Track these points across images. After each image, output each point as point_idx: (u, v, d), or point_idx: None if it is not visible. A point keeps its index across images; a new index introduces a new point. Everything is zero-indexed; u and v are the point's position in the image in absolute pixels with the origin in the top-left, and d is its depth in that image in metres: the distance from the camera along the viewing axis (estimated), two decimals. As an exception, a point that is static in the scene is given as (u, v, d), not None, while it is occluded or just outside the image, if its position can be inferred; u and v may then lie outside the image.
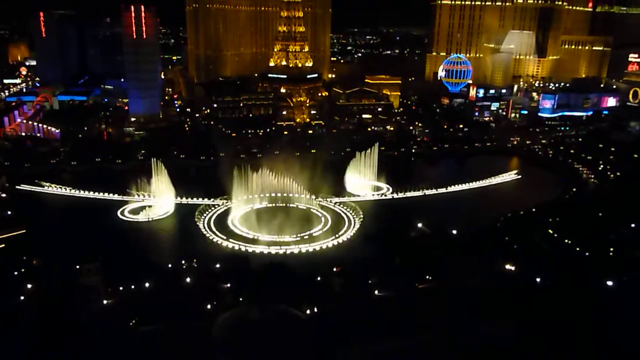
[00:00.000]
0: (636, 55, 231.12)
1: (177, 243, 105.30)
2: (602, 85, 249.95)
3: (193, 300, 78.78)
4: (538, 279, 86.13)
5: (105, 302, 78.06)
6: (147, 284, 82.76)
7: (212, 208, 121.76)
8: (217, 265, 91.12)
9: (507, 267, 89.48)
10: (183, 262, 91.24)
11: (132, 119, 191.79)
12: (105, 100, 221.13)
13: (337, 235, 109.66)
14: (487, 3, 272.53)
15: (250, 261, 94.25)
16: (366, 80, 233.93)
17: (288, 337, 71.81)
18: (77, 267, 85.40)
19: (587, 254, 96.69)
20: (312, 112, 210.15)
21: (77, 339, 69.93)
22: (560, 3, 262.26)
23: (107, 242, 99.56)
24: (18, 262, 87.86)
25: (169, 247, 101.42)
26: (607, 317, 74.98)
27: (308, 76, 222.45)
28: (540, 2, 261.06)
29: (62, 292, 77.85)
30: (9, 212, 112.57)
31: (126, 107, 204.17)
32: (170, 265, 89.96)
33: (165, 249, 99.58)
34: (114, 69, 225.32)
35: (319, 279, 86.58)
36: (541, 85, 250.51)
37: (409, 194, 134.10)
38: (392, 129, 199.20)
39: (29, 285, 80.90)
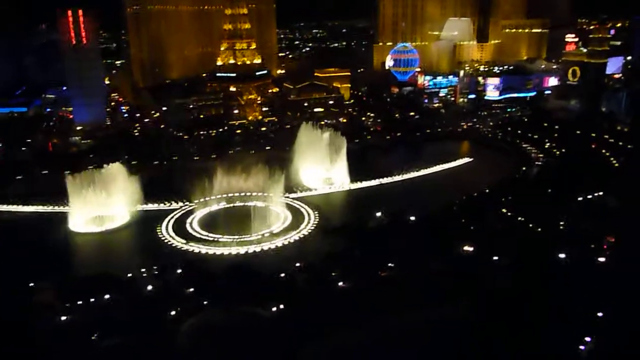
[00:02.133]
0: (572, 36, 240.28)
1: (135, 251, 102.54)
2: (542, 67, 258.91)
3: (155, 308, 77.27)
4: (495, 257, 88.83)
5: (62, 318, 75.36)
6: (106, 296, 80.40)
7: (169, 213, 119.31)
8: (178, 271, 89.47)
9: (466, 248, 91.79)
10: (142, 270, 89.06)
11: (78, 128, 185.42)
12: (48, 110, 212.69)
13: (297, 231, 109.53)
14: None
15: (211, 264, 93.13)
16: (316, 74, 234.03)
17: (255, 337, 71.55)
18: (30, 284, 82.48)
19: (539, 229, 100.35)
20: (264, 109, 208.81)
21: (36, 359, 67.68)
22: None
23: (61, 257, 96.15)
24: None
25: (127, 257, 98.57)
26: (561, 289, 78.29)
27: (257, 73, 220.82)
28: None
29: (15, 312, 74.84)
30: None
31: (70, 116, 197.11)
32: (129, 275, 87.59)
33: (123, 259, 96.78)
34: (54, 78, 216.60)
35: (282, 275, 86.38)
36: (485, 69, 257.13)
37: (365, 184, 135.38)
38: (344, 120, 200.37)
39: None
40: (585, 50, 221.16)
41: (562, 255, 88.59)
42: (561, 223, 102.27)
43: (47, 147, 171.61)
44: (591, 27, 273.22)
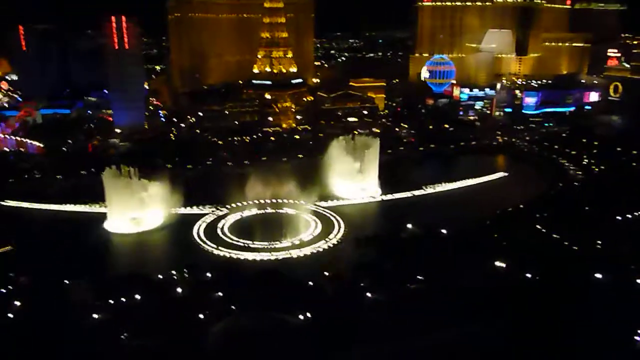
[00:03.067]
0: (615, 51, 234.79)
1: (167, 254, 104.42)
2: (583, 81, 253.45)
3: (185, 311, 78.31)
4: (529, 275, 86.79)
5: (95, 316, 77.14)
6: (137, 297, 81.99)
7: (202, 217, 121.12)
8: (208, 275, 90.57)
9: (498, 264, 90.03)
10: (173, 272, 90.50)
11: (117, 131, 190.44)
12: (89, 112, 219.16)
13: (327, 240, 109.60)
14: (468, 3, 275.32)
15: (241, 269, 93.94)
16: (350, 84, 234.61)
17: (282, 344, 71.64)
18: (66, 282, 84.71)
19: (575, 248, 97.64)
20: (298, 117, 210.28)
21: (68, 356, 69.34)
22: (539, 1, 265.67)
23: (96, 256, 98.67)
24: (5, 280, 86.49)
25: (159, 258, 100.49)
26: (596, 310, 75.86)
27: (292, 81, 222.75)
28: (519, 1, 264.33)
29: (51, 309, 76.99)
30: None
31: (111, 119, 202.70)
32: (160, 277, 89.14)
33: (156, 260, 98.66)
34: (97, 81, 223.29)
35: (310, 284, 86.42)
36: (524, 83, 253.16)
37: (398, 196, 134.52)
38: (378, 131, 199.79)
39: (17, 303, 79.71)
40: (628, 65, 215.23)
41: (598, 276, 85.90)
42: (599, 242, 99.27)
43: (86, 148, 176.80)
44: (634, 43, 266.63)
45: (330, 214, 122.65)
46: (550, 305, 77.34)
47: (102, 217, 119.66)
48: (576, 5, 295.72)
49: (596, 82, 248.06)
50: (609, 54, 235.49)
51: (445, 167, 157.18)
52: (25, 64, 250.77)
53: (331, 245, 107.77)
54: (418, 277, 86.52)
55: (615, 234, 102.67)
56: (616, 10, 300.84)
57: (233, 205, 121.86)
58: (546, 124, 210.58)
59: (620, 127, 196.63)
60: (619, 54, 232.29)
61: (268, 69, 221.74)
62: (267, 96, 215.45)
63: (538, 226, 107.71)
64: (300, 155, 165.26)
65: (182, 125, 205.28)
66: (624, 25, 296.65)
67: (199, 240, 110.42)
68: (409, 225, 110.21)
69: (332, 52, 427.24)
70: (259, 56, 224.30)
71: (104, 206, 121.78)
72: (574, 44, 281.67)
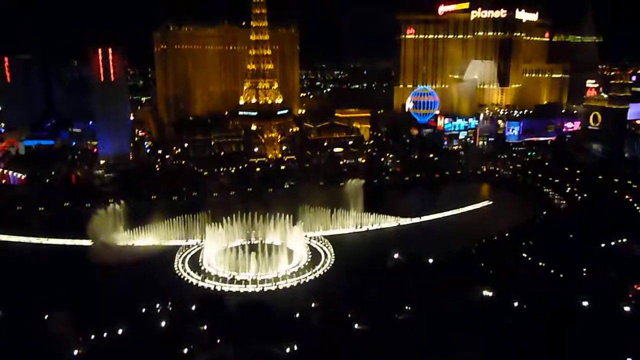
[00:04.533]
0: (593, 81, 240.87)
1: (150, 286, 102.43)
2: (563, 111, 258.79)
3: (169, 344, 76.62)
4: (515, 303, 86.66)
5: (75, 352, 75.00)
6: (120, 330, 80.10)
7: (186, 249, 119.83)
8: (193, 307, 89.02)
9: (485, 292, 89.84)
10: (157, 305, 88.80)
11: (102, 161, 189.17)
12: (74, 143, 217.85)
13: (313, 270, 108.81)
14: (450, 36, 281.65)
15: (226, 301, 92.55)
16: (336, 114, 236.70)
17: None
18: (45, 316, 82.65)
19: (561, 275, 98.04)
20: (284, 147, 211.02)
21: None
22: (518, 34, 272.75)
23: (77, 289, 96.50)
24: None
25: (142, 291, 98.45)
26: (583, 336, 75.75)
27: (278, 112, 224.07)
28: (499, 34, 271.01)
29: (29, 344, 74.78)
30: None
31: (95, 150, 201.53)
32: (143, 309, 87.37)
33: (139, 293, 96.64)
34: (82, 111, 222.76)
35: (297, 315, 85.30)
36: (506, 112, 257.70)
37: (384, 225, 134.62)
38: (363, 161, 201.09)
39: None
40: (606, 95, 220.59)
41: (584, 303, 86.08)
42: (584, 269, 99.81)
43: (70, 179, 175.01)
44: (612, 73, 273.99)
45: (317, 244, 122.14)
46: (536, 332, 77.09)
47: (86, 249, 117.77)
48: (554, 38, 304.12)
49: (576, 111, 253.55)
50: (587, 84, 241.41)
51: (430, 196, 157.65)
52: (9, 95, 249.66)
53: (317, 276, 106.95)
54: (405, 306, 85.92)
55: (600, 261, 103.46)
56: (592, 42, 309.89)
57: (218, 235, 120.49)
58: (529, 153, 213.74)
59: (600, 155, 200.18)
60: (597, 85, 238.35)
61: (254, 100, 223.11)
62: (253, 127, 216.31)
63: (524, 254, 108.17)
64: (286, 186, 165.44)
65: (168, 155, 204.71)
66: (601, 57, 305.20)
67: (183, 272, 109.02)
68: (395, 255, 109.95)
69: (318, 83, 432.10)
70: (245, 87, 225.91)
71: (87, 239, 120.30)
72: (553, 75, 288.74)
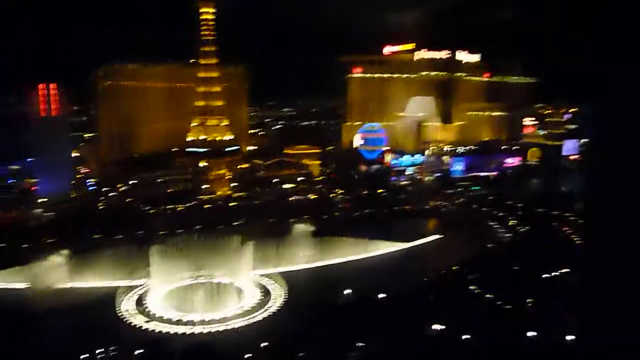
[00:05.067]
0: (532, 119, 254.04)
1: (93, 330, 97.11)
2: (503, 147, 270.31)
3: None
4: (466, 336, 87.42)
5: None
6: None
7: (131, 289, 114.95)
8: (139, 351, 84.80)
9: (435, 327, 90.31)
10: (100, 351, 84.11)
11: (40, 200, 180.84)
12: (9, 181, 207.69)
13: (263, 309, 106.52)
14: (394, 75, 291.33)
15: (172, 344, 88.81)
16: (285, 151, 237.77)
17: None
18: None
19: (507, 307, 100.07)
20: (233, 184, 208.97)
21: None
22: (459, 75, 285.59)
23: (14, 334, 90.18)
24: None
25: (83, 336, 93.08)
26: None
27: (227, 149, 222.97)
28: (441, 75, 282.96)
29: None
30: None
31: (34, 188, 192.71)
32: (86, 356, 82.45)
33: (79, 337, 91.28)
34: (20, 148, 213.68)
35: (246, 357, 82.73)
36: (450, 149, 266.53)
37: (334, 261, 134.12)
38: (314, 197, 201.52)
39: None
40: (542, 132, 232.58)
41: (531, 334, 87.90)
42: (528, 300, 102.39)
43: (7, 219, 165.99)
44: (547, 112, 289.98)
45: (267, 282, 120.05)
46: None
47: (24, 291, 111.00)
48: (494, 78, 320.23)
49: (515, 147, 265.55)
50: (524, 122, 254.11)
51: (380, 232, 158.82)
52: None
53: (267, 316, 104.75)
54: (357, 344, 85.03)
55: (543, 291, 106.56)
56: (528, 83, 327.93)
57: (165, 275, 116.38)
58: (473, 188, 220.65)
59: (539, 189, 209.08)
60: (535, 122, 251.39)
61: (202, 137, 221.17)
62: (202, 164, 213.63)
63: (471, 287, 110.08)
64: (235, 223, 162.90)
65: (112, 194, 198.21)
66: (536, 96, 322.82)
67: (127, 315, 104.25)
68: (346, 292, 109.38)
69: (267, 120, 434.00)
70: (193, 124, 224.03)
71: (24, 282, 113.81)
72: (493, 113, 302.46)
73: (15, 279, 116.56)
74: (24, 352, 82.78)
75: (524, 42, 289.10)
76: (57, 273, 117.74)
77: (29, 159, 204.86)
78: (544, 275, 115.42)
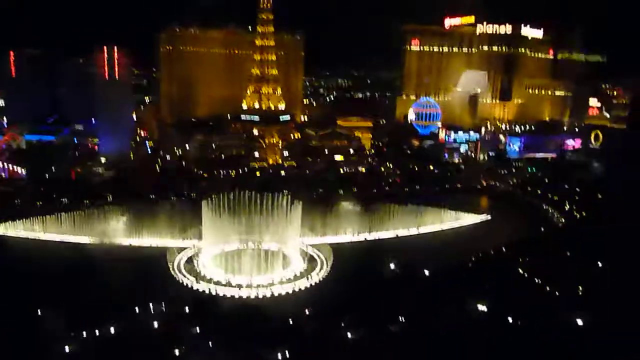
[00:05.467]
0: (595, 100, 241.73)
1: (145, 286, 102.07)
2: (564, 128, 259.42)
3: (161, 345, 76.36)
4: (510, 319, 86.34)
5: (67, 349, 74.68)
6: (112, 329, 79.81)
7: (182, 250, 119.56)
8: (186, 309, 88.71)
9: (479, 307, 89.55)
10: (150, 305, 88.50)
11: (102, 159, 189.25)
12: (75, 139, 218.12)
13: (309, 277, 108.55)
14: (455, 49, 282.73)
15: (220, 304, 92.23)
16: (338, 123, 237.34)
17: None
18: (38, 312, 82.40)
19: (557, 293, 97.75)
20: (285, 153, 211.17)
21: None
22: (523, 50, 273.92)
23: (71, 285, 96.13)
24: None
25: (136, 290, 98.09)
26: (578, 356, 75.43)
27: (281, 118, 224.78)
28: (504, 49, 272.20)
29: (21, 339, 74.44)
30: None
31: (96, 147, 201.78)
32: (137, 309, 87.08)
33: (133, 292, 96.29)
34: (85, 109, 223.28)
35: (291, 322, 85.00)
36: (507, 128, 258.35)
37: (381, 235, 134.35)
38: (363, 170, 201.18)
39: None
40: (608, 115, 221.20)
41: (579, 321, 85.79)
42: (579, 287, 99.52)
43: (69, 175, 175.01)
44: (614, 93, 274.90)
45: (314, 252, 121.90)
46: (531, 350, 76.82)
47: (81, 246, 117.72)
48: (559, 55, 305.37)
49: (577, 129, 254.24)
50: (590, 103, 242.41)
51: (429, 208, 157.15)
52: (12, 89, 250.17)
53: (313, 284, 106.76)
54: (399, 317, 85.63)
55: (597, 280, 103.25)
56: (596, 62, 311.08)
57: (215, 239, 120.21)
58: (529, 169, 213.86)
59: (600, 174, 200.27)
60: (599, 104, 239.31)
61: (257, 105, 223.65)
62: (255, 131, 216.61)
63: (520, 270, 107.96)
64: (286, 191, 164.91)
65: (168, 156, 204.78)
66: (604, 76, 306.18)
67: (178, 274, 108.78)
68: (391, 266, 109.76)
69: (321, 90, 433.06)
70: (248, 91, 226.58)
71: (85, 235, 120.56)
72: (556, 92, 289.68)
73: (74, 233, 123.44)
74: (82, 301, 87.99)
75: (592, 18, 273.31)
76: (114, 230, 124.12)
77: (92, 120, 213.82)
78: (598, 264, 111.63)
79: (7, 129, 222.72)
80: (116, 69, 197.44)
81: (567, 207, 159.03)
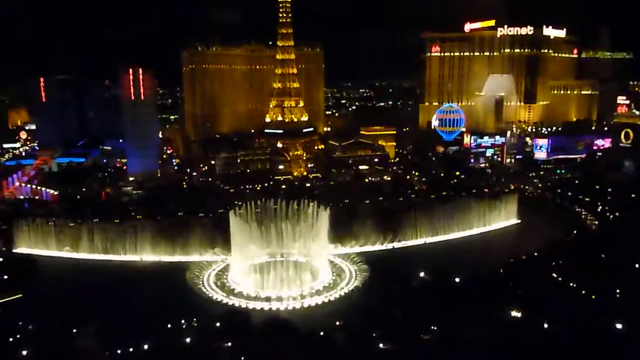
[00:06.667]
0: (624, 98, 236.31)
1: (176, 301, 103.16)
2: (592, 128, 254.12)
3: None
4: (545, 325, 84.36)
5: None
6: (145, 346, 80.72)
7: (211, 265, 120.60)
8: (217, 324, 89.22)
9: (513, 313, 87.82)
10: (182, 321, 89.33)
11: (131, 179, 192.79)
12: (104, 160, 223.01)
13: (338, 289, 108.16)
14: (476, 53, 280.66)
15: (250, 318, 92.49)
16: (361, 132, 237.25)
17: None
18: (74, 330, 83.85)
19: (593, 297, 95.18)
20: (309, 165, 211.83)
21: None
22: (546, 51, 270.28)
23: (105, 303, 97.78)
24: (14, 328, 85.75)
25: (167, 306, 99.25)
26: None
27: (304, 130, 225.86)
28: (526, 51, 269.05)
29: (57, 357, 75.89)
30: (5, 276, 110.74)
31: (124, 167, 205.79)
32: (169, 325, 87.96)
33: (164, 308, 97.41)
34: (113, 130, 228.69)
35: (321, 334, 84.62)
36: (533, 130, 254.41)
37: (409, 243, 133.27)
38: (389, 179, 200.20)
39: (24, 352, 78.71)
40: (638, 112, 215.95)
41: (619, 326, 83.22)
42: (617, 291, 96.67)
43: (100, 195, 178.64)
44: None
45: (342, 262, 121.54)
46: (567, 356, 74.86)
47: (114, 263, 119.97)
48: (583, 54, 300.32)
49: (606, 128, 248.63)
50: (618, 101, 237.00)
51: (457, 214, 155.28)
52: (43, 114, 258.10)
53: (342, 295, 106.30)
54: (431, 326, 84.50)
55: (634, 283, 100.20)
56: (622, 59, 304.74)
57: (243, 252, 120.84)
58: (558, 171, 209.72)
59: (633, 173, 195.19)
60: (627, 101, 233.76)
61: (280, 118, 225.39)
62: (279, 145, 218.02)
63: (554, 275, 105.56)
64: (312, 203, 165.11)
65: (194, 173, 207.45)
66: (632, 73, 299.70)
67: (208, 289, 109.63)
68: (421, 274, 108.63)
69: (343, 101, 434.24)
70: (271, 105, 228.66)
71: (117, 253, 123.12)
72: (582, 92, 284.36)
73: (108, 252, 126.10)
74: (114, 318, 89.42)
75: (616, 14, 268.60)
76: (144, 247, 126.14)
77: (120, 140, 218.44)
78: (635, 266, 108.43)
79: (38, 153, 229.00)
80: (141, 90, 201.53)
81: (599, 209, 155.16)
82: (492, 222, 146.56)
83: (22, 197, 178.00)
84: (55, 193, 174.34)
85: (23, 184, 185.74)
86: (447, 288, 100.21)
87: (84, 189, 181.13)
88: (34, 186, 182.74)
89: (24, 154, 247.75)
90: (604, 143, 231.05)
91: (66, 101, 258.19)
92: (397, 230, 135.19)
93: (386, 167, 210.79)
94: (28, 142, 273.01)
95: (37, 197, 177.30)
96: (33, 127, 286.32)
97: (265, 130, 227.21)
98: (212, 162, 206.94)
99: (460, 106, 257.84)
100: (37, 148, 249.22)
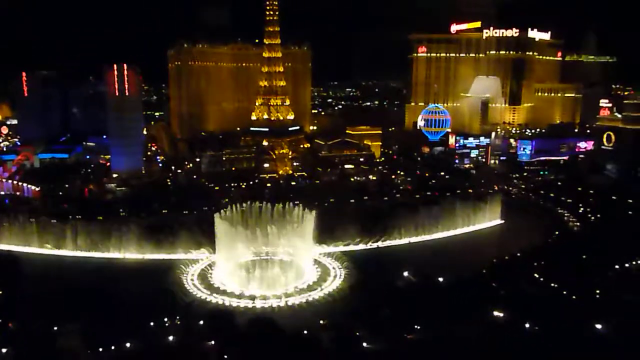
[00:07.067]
0: (606, 101, 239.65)
1: (159, 300, 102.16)
2: (575, 130, 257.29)
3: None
4: (527, 325, 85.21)
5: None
6: (128, 345, 79.91)
7: (195, 263, 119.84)
8: (201, 323, 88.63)
9: (496, 313, 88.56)
10: (165, 320, 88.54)
11: (114, 176, 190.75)
12: (87, 157, 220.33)
13: (322, 288, 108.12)
14: (462, 55, 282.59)
15: (234, 317, 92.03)
16: (347, 132, 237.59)
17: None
18: (55, 328, 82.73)
19: (574, 297, 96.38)
20: (295, 164, 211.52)
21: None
22: (530, 53, 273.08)
23: (87, 302, 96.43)
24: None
25: (150, 305, 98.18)
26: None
27: (290, 129, 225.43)
28: (511, 53, 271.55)
29: (38, 357, 74.83)
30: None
31: (108, 164, 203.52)
32: (152, 324, 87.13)
33: (146, 307, 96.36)
34: (96, 127, 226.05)
35: (305, 333, 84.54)
36: (518, 131, 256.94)
37: (394, 243, 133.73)
38: (374, 178, 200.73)
39: (4, 350, 77.47)
40: (620, 115, 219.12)
41: (599, 326, 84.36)
42: (597, 291, 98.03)
43: (83, 192, 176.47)
44: (626, 93, 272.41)
45: (327, 261, 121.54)
46: (549, 356, 75.71)
47: (96, 261, 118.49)
48: (567, 57, 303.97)
49: (589, 131, 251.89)
50: (600, 104, 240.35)
51: (441, 214, 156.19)
52: (26, 109, 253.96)
53: (327, 294, 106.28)
54: (415, 326, 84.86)
55: (614, 282, 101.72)
56: (606, 62, 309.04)
57: (227, 251, 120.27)
58: (541, 172, 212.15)
59: (614, 175, 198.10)
60: (610, 104, 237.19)
61: (266, 117, 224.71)
62: (265, 143, 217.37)
63: (536, 275, 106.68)
64: (297, 202, 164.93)
65: (180, 170, 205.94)
66: (615, 76, 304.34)
67: (192, 287, 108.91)
68: (405, 274, 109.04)
69: (329, 100, 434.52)
70: (257, 104, 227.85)
71: (100, 250, 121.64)
72: (566, 94, 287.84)
73: (89, 249, 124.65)
74: (96, 317, 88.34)
75: (600, 18, 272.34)
76: (128, 245, 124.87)
77: (104, 137, 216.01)
78: (615, 267, 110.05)
79: (20, 148, 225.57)
80: (126, 86, 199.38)
81: (581, 210, 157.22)
82: (476, 222, 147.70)
83: (2, 192, 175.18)
84: (37, 189, 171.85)
85: (4, 180, 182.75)
86: (431, 288, 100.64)
87: (66, 186, 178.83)
88: (15, 182, 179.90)
89: (5, 149, 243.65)
90: (587, 145, 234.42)
91: (49, 96, 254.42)
92: (382, 230, 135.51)
93: (372, 167, 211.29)
94: (9, 138, 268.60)
95: (18, 194, 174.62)
96: (15, 122, 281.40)
97: (251, 129, 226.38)
98: (198, 160, 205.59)
99: (446, 107, 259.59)
100: (19, 143, 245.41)
